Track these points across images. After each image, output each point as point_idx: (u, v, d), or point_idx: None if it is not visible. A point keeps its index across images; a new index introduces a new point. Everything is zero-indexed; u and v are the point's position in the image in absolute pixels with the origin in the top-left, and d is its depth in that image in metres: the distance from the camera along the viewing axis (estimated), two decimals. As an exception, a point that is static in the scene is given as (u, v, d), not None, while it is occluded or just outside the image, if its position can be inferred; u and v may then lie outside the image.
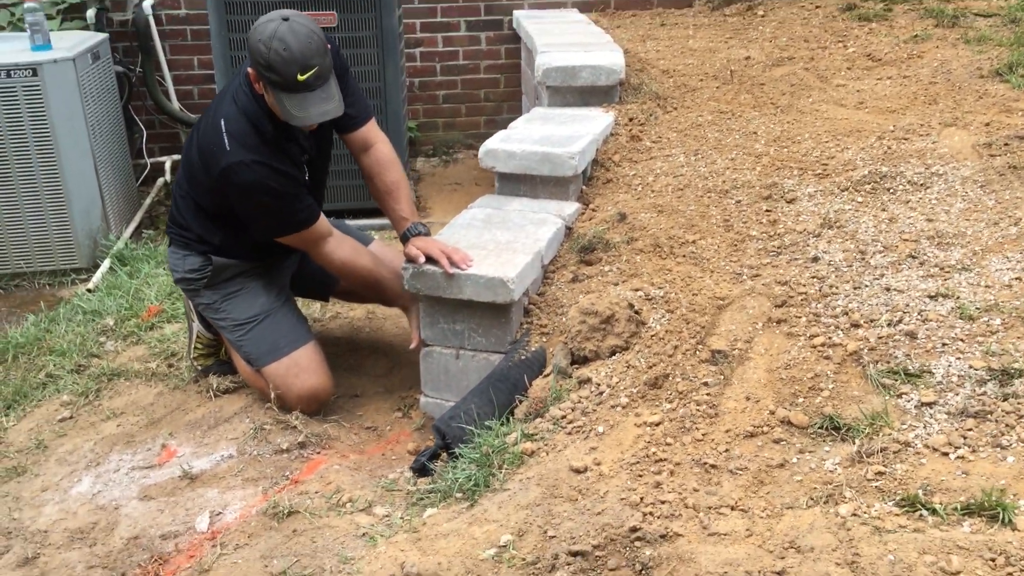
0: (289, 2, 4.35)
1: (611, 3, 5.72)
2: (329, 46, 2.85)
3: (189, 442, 2.93)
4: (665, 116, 3.92)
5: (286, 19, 2.67)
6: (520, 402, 2.67)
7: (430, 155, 5.87)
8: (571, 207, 3.33)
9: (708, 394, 2.38)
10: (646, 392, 2.46)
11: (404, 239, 2.96)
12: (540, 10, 5.58)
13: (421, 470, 2.60)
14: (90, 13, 5.27)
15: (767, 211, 3.13)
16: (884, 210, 3.03)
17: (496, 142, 3.46)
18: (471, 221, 3.21)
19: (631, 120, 3.83)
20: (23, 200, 4.35)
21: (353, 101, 3.03)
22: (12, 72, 4.14)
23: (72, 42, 4.51)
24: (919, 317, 2.46)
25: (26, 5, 4.22)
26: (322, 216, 2.96)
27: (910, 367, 2.31)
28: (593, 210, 3.35)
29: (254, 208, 2.87)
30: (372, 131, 3.08)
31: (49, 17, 5.24)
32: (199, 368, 3.31)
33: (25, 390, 3.38)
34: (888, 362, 2.33)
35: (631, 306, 2.65)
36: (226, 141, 2.78)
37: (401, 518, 2.37)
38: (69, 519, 2.63)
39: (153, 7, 5.28)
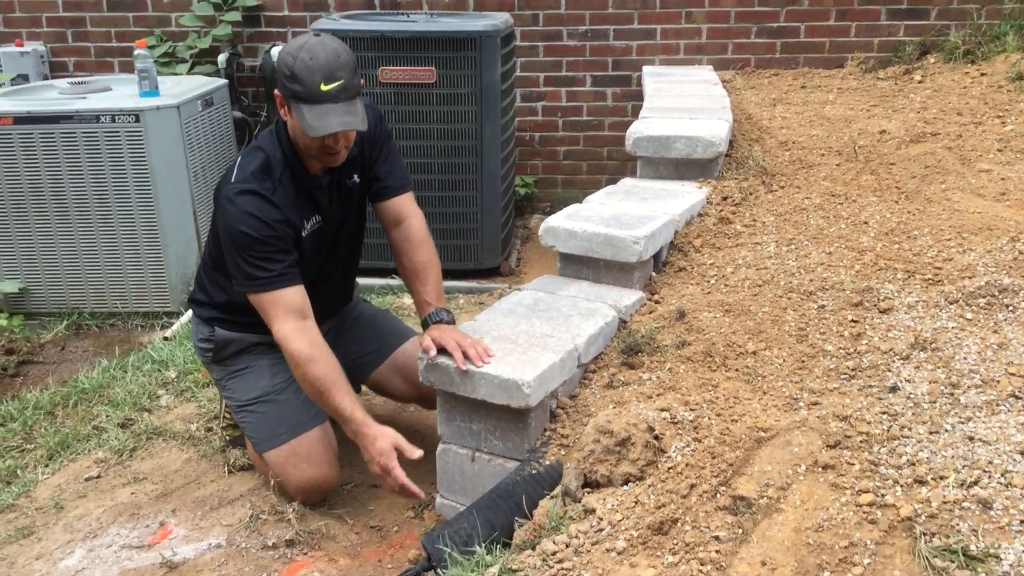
0: (387, 58, 4.24)
1: (751, 61, 5.28)
2: (370, 109, 2.77)
3: (187, 522, 2.77)
4: (767, 196, 3.49)
5: (318, 35, 2.55)
6: (520, 525, 2.35)
7: (547, 212, 5.60)
8: (632, 297, 2.97)
9: (718, 551, 1.97)
10: (649, 537, 2.07)
11: (424, 326, 2.70)
12: (670, 67, 5.22)
13: (398, 593, 2.32)
14: (221, 58, 5.36)
15: (852, 322, 2.67)
16: (996, 332, 2.51)
17: (559, 219, 3.15)
18: (514, 307, 2.91)
19: (725, 199, 3.42)
20: (121, 241, 4.41)
21: (391, 170, 2.85)
22: (116, 117, 4.21)
23: (183, 89, 4.56)
24: (1001, 480, 1.96)
25: (136, 52, 4.29)
26: (289, 292, 2.59)
27: (973, 547, 1.81)
28: (656, 302, 2.98)
29: (230, 239, 2.60)
30: (407, 205, 2.86)
31: (182, 61, 5.39)
32: (227, 438, 3.17)
33: (69, 441, 3.34)
34: (947, 536, 1.85)
35: (651, 429, 2.27)
36: (235, 171, 2.66)
37: (352, 652, 2.10)
38: (44, 595, 2.53)
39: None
